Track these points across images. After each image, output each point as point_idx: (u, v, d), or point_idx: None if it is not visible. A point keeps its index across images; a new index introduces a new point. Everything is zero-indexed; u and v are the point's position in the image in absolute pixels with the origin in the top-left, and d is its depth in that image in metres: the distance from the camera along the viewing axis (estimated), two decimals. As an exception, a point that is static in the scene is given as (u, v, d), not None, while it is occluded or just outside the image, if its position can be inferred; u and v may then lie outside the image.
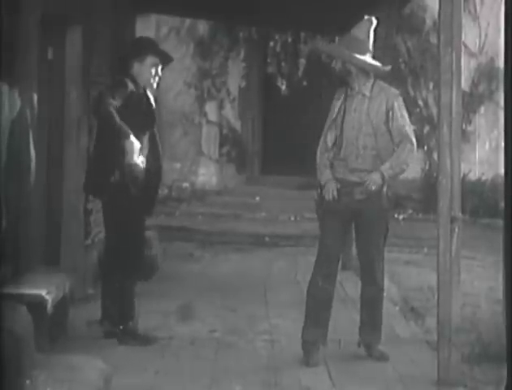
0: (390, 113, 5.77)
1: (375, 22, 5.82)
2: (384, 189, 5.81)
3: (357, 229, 5.97)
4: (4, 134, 5.53)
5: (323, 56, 5.44)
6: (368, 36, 5.79)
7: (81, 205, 7.40)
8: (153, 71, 6.09)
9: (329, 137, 5.85)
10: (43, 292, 5.44)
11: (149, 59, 6.07)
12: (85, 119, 7.38)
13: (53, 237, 7.13)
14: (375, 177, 5.72)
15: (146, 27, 13.17)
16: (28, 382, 4.08)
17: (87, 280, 7.45)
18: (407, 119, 5.83)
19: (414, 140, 5.80)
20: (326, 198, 5.77)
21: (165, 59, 6.19)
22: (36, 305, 5.24)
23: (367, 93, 5.79)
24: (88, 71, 7.45)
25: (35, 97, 6.17)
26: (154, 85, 6.17)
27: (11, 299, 4.70)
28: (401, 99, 5.85)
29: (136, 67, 6.08)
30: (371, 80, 5.82)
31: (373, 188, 5.72)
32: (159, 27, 14.73)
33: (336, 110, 5.82)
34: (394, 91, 5.92)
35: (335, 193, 5.75)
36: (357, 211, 5.80)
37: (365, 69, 5.79)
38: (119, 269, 5.98)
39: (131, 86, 5.93)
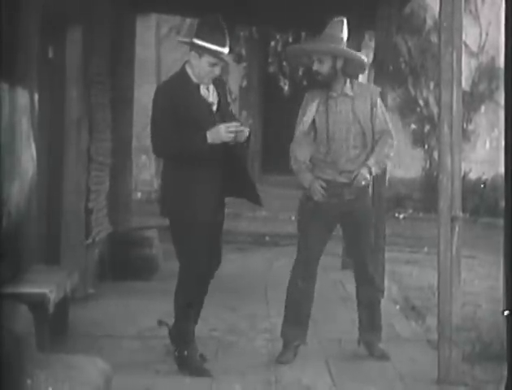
0: (374, 109, 5.75)
1: (345, 21, 5.77)
2: (369, 188, 5.80)
3: (345, 230, 5.94)
4: (4, 134, 5.52)
5: (305, 58, 5.30)
6: (343, 35, 5.74)
7: (81, 204, 7.40)
8: (210, 68, 5.43)
9: (306, 141, 5.82)
10: (44, 292, 5.43)
11: (206, 58, 5.39)
12: (85, 119, 7.38)
13: (53, 237, 7.13)
14: (364, 172, 5.66)
15: (146, 26, 13.19)
16: (28, 381, 4.08)
17: (88, 280, 7.45)
18: (387, 114, 5.82)
19: (393, 134, 5.80)
20: (315, 199, 5.73)
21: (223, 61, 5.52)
22: (37, 304, 5.23)
23: (350, 93, 5.75)
24: (89, 71, 7.45)
25: (35, 96, 6.16)
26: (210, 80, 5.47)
27: (12, 298, 4.69)
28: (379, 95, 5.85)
29: (193, 59, 5.44)
30: (349, 80, 5.76)
31: (363, 183, 5.68)
32: (159, 26, 14.73)
33: (312, 113, 5.75)
34: (375, 87, 5.96)
35: (323, 192, 5.71)
36: (346, 212, 5.75)
37: (358, 61, 5.71)
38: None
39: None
